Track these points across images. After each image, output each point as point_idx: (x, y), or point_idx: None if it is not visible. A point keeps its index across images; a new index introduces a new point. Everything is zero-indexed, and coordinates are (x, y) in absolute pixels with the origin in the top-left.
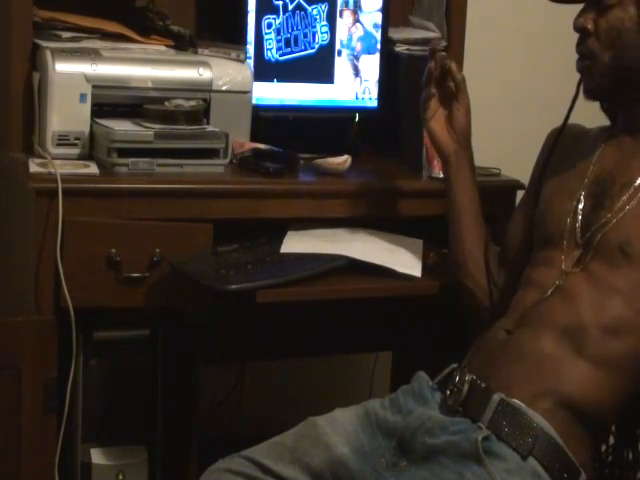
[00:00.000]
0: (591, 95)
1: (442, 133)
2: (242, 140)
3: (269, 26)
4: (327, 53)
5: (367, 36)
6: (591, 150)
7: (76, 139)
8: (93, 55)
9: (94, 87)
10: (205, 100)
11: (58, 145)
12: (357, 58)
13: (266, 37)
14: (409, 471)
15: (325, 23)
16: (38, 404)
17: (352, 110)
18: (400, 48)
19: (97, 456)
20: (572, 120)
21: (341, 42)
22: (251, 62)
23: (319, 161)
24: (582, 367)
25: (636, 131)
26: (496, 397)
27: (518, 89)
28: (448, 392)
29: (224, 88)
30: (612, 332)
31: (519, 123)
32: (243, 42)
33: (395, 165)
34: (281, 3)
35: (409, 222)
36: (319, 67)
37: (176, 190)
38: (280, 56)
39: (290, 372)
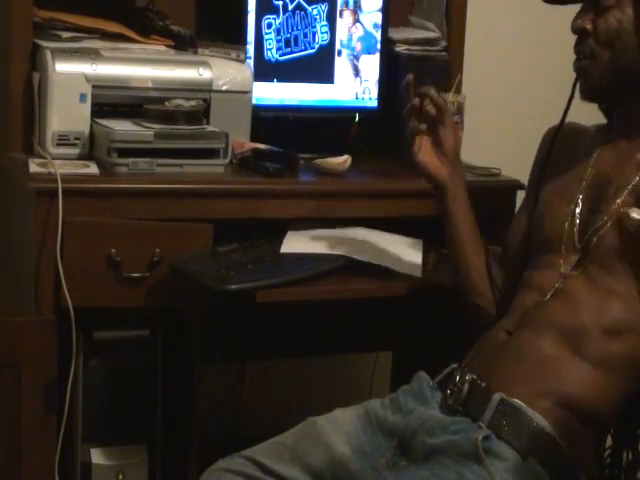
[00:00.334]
0: (587, 96)
1: (433, 163)
2: (242, 140)
3: (269, 26)
4: (327, 53)
5: (367, 36)
6: (588, 152)
7: (76, 139)
8: (93, 55)
9: (94, 87)
10: (205, 100)
11: (58, 145)
12: (357, 58)
13: (266, 37)
14: (409, 471)
15: (325, 23)
16: (38, 404)
17: (352, 110)
18: (400, 48)
19: (97, 456)
20: (569, 120)
21: (341, 42)
22: (251, 62)
23: (319, 161)
24: (582, 368)
25: (632, 133)
26: (496, 397)
27: (518, 89)
28: (448, 392)
29: (224, 88)
30: (611, 334)
31: (519, 123)
32: (243, 42)
33: (395, 165)
34: (281, 3)
35: (409, 222)
36: (319, 67)
37: (176, 190)
38: (280, 56)
39: (290, 372)
